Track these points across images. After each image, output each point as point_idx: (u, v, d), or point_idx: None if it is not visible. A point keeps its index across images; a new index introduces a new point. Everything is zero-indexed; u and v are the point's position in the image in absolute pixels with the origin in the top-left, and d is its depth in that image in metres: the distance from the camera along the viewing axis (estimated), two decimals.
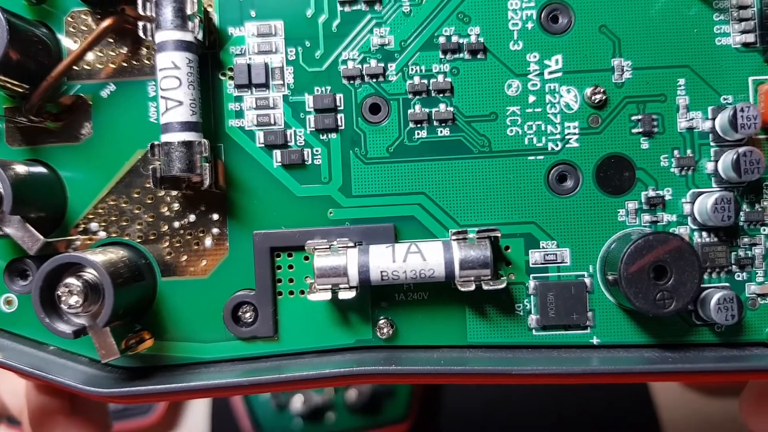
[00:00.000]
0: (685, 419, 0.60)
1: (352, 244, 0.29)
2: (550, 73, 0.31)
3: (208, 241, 0.31)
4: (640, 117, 0.31)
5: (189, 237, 0.31)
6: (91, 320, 0.29)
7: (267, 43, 0.31)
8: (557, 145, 0.31)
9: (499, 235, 0.29)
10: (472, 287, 0.29)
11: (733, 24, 0.31)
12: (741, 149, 0.29)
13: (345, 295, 0.29)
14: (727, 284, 0.31)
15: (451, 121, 0.31)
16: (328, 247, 0.29)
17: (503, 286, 0.29)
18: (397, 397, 0.63)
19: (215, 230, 0.31)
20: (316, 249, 0.29)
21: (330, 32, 0.31)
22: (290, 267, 0.31)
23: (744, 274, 0.31)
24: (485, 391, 0.62)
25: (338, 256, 0.29)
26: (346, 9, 0.31)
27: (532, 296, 0.31)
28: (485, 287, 0.29)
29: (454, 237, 0.29)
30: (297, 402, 0.62)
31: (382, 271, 0.29)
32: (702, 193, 0.30)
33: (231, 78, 0.31)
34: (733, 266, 0.31)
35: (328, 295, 0.29)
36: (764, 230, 0.31)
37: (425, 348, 0.31)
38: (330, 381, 0.29)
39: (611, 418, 0.61)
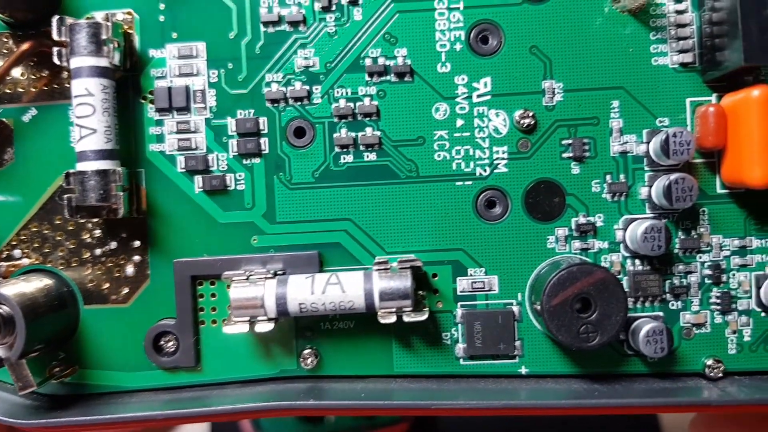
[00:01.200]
0: None
1: (270, 275, 0.29)
2: (479, 96, 0.30)
3: (129, 269, 0.30)
4: (570, 141, 0.30)
5: (111, 264, 0.31)
6: (6, 352, 0.28)
7: (188, 66, 0.30)
8: (486, 170, 0.30)
9: (420, 264, 0.29)
10: (393, 318, 0.28)
11: (671, 43, 0.30)
12: (672, 176, 0.28)
13: (262, 327, 0.28)
14: (660, 313, 0.30)
15: (377, 146, 0.30)
16: (246, 277, 0.29)
17: (424, 317, 0.28)
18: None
19: (136, 257, 0.30)
20: (233, 280, 0.29)
21: (253, 54, 0.30)
22: (213, 296, 0.30)
23: (679, 303, 0.30)
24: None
25: (255, 287, 0.28)
26: (270, 30, 0.30)
27: (459, 325, 0.30)
28: (406, 318, 0.28)
29: (375, 267, 0.28)
30: None
31: (300, 303, 0.28)
32: (635, 219, 0.30)
33: (151, 102, 0.30)
34: (668, 295, 0.30)
35: (245, 328, 0.28)
36: (700, 258, 0.30)
37: (350, 378, 0.30)
38: (248, 414, 0.29)
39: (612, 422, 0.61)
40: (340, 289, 0.28)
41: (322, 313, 0.28)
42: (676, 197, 0.28)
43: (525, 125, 0.30)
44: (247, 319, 0.28)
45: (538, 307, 0.28)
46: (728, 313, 0.30)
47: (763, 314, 0.30)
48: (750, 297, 0.30)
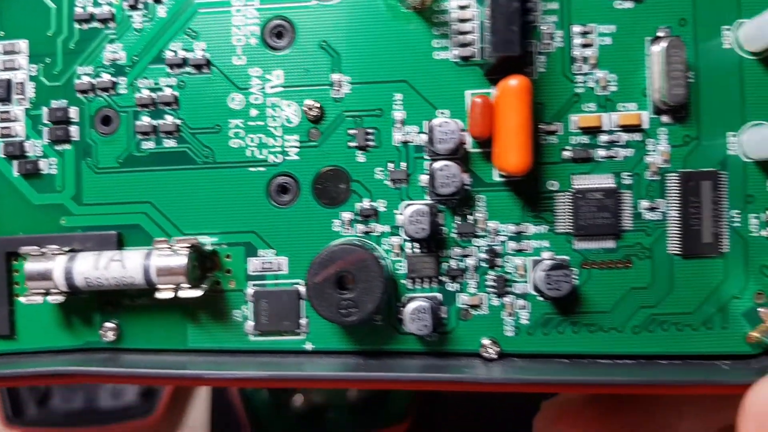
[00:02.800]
0: None
1: (63, 251, 0.31)
2: (272, 87, 0.32)
3: None
4: (355, 131, 0.32)
5: None
6: None
7: (11, 61, 0.33)
8: (278, 158, 0.32)
9: (197, 243, 0.30)
10: (171, 294, 0.30)
11: (452, 38, 0.31)
12: (436, 164, 0.30)
13: (54, 299, 0.30)
14: (438, 295, 0.31)
15: (176, 133, 0.32)
16: (41, 253, 0.31)
17: (199, 294, 0.30)
18: (397, 397, 0.63)
19: None
20: (29, 254, 0.31)
21: (68, 49, 0.33)
22: None
23: (456, 285, 0.31)
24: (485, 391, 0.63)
25: (47, 262, 0.30)
26: (83, 27, 0.33)
27: (249, 303, 0.32)
28: (181, 294, 0.30)
29: (155, 246, 0.30)
30: (297, 402, 0.63)
31: (86, 278, 0.30)
32: (411, 205, 0.31)
33: None
34: (445, 277, 0.31)
35: (40, 299, 0.30)
36: (476, 242, 0.31)
37: (147, 352, 0.32)
38: (47, 378, 0.31)
39: None
40: (122, 265, 0.30)
41: (108, 288, 0.30)
42: (441, 183, 0.30)
43: (315, 115, 0.32)
44: (42, 291, 0.31)
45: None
46: (504, 295, 0.31)
47: (539, 298, 0.31)
48: (527, 281, 0.31)
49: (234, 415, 0.64)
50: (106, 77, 0.32)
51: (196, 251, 0.31)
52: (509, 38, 0.28)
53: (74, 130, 0.33)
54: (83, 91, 0.32)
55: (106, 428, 0.65)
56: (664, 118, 0.31)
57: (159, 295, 0.30)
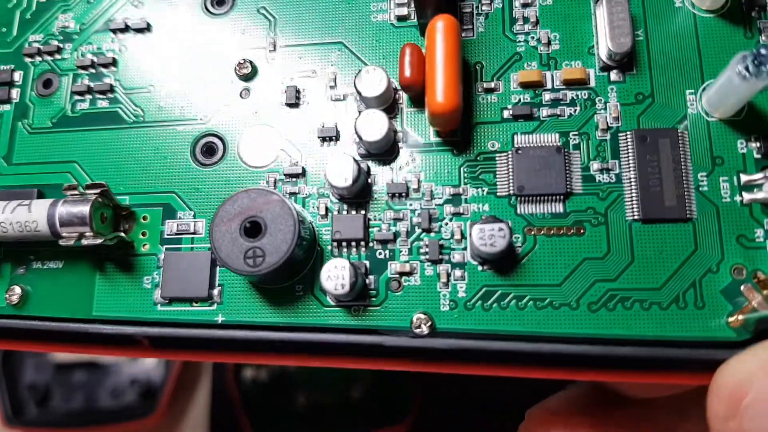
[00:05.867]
0: None
1: None
2: (210, 51, 0.32)
3: None
4: (285, 90, 0.30)
5: None
6: None
7: None
8: (206, 117, 0.31)
9: (106, 188, 0.28)
10: (72, 242, 0.28)
11: (390, 1, 0.31)
12: (363, 112, 0.28)
13: None
14: (365, 262, 0.28)
15: (110, 92, 0.32)
16: None
17: (99, 242, 0.28)
18: (397, 397, 0.63)
19: None
20: None
21: (24, 19, 0.34)
22: None
23: (386, 251, 0.28)
24: (485, 391, 0.62)
25: None
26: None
27: (160, 269, 0.29)
28: (84, 242, 0.28)
29: (65, 192, 0.29)
30: (297, 402, 0.63)
31: None
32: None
33: None
34: (374, 243, 0.28)
35: None
36: (410, 204, 0.28)
37: (49, 320, 0.29)
38: None
39: None
40: (28, 210, 0.28)
41: (12, 235, 0.28)
42: (365, 131, 0.27)
43: (244, 74, 0.31)
44: None
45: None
46: (439, 263, 0.27)
47: (480, 267, 0.27)
48: (465, 248, 0.28)
49: (234, 415, 0.62)
50: (54, 44, 0.33)
51: (108, 199, 0.29)
52: None
53: (15, 92, 0.33)
54: (30, 55, 0.33)
55: (106, 428, 0.64)
56: (613, 75, 0.28)
57: (62, 242, 0.28)
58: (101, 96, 0.32)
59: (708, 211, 0.27)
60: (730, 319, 0.25)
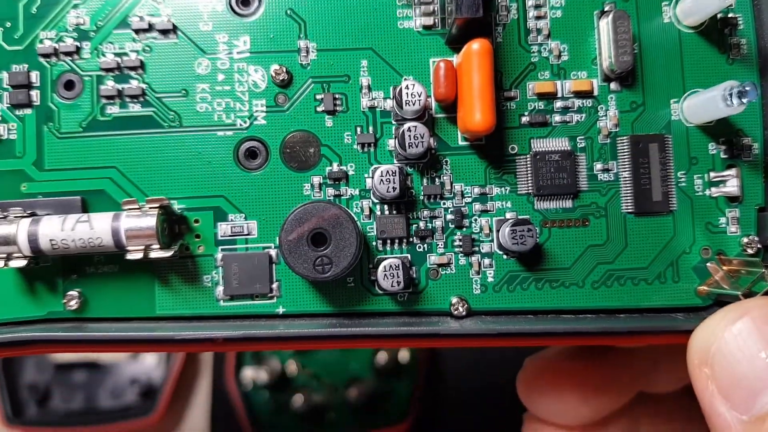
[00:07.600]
0: None
1: (27, 214, 0.30)
2: (239, 53, 0.32)
3: None
4: (323, 96, 0.32)
5: None
6: None
7: None
8: (245, 122, 0.32)
9: (168, 203, 0.30)
10: (140, 255, 0.29)
11: (415, 8, 0.33)
12: (406, 125, 0.31)
13: (16, 263, 0.29)
14: (407, 255, 0.32)
15: (141, 97, 0.32)
16: (3, 216, 0.30)
17: (169, 254, 0.30)
18: (397, 397, 0.63)
19: None
20: None
21: (29, 14, 0.32)
22: None
23: (425, 245, 0.32)
24: (486, 391, 0.63)
25: (9, 226, 0.29)
26: None
27: (219, 268, 0.32)
28: (152, 255, 0.30)
29: (124, 207, 0.30)
30: (297, 402, 0.63)
31: (51, 240, 0.29)
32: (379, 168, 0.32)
33: None
34: (414, 238, 0.32)
35: (0, 264, 0.29)
36: (444, 204, 0.32)
37: (114, 320, 0.32)
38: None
39: None
40: (89, 226, 0.29)
41: (74, 252, 0.29)
42: (409, 143, 0.31)
43: (282, 80, 0.32)
44: (4, 255, 0.30)
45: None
46: (471, 255, 0.32)
47: (505, 257, 0.32)
48: (492, 240, 0.32)
49: (234, 416, 0.63)
50: (69, 42, 0.32)
51: (166, 212, 0.30)
52: (474, 1, 0.29)
53: (35, 95, 0.32)
54: (45, 56, 0.32)
55: (106, 428, 0.65)
56: (613, 86, 0.33)
57: (129, 257, 0.29)
58: (132, 100, 0.32)
59: (685, 204, 0.33)
60: (699, 288, 0.33)
